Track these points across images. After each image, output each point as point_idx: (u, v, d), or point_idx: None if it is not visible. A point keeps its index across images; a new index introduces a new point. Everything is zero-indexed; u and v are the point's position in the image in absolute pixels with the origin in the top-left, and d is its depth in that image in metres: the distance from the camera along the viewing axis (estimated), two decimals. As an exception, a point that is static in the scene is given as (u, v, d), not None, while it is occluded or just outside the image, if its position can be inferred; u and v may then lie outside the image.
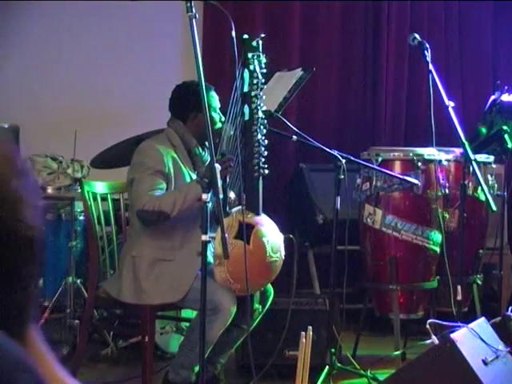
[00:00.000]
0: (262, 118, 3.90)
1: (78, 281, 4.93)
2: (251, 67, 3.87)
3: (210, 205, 3.33)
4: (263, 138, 3.91)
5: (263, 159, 3.90)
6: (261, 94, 3.89)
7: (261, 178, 3.91)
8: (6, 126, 4.38)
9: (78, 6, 5.93)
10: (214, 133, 3.84)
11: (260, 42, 3.91)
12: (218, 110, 4.07)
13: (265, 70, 3.92)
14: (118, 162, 4.64)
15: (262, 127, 3.90)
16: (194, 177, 4.01)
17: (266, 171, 3.92)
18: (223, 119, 3.98)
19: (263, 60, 3.91)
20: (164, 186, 3.92)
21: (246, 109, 3.86)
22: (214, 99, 4.06)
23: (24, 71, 5.97)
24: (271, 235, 3.93)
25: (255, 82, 3.88)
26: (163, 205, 3.83)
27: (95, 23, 6.04)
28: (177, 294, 3.90)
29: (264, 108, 3.92)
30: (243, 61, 3.84)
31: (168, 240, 3.95)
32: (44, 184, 5.20)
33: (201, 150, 4.06)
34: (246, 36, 3.79)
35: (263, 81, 3.91)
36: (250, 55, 3.86)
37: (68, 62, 6.01)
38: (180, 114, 4.07)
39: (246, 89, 3.86)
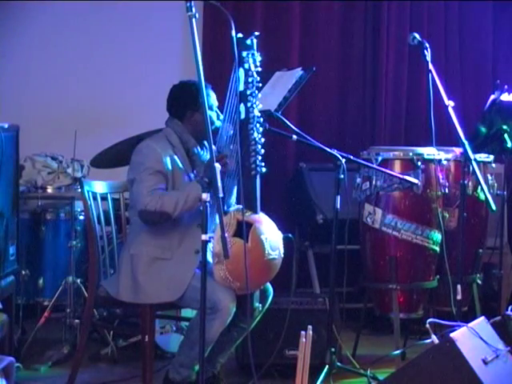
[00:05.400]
0: (257, 117, 3.90)
1: (78, 280, 4.93)
2: (246, 66, 3.87)
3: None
4: (259, 136, 3.91)
5: (260, 157, 3.90)
6: (256, 92, 3.90)
7: (258, 176, 3.91)
8: (6, 126, 4.37)
9: (79, 6, 5.93)
10: (212, 131, 3.85)
11: (254, 41, 3.91)
12: (216, 108, 4.07)
13: (259, 69, 3.92)
14: (118, 161, 4.64)
15: (258, 125, 3.90)
16: (192, 176, 4.02)
17: (264, 169, 3.92)
18: (221, 117, 3.98)
19: (258, 58, 3.91)
20: (164, 185, 3.92)
21: (242, 107, 3.86)
22: (211, 97, 4.06)
23: (24, 71, 5.98)
24: (269, 233, 3.93)
25: (250, 80, 3.88)
26: (165, 205, 3.84)
27: (95, 23, 6.04)
28: (174, 293, 3.90)
29: (260, 106, 3.92)
30: (238, 59, 3.84)
31: (166, 239, 3.96)
32: (44, 184, 5.21)
33: (199, 149, 4.06)
34: (239, 35, 3.79)
35: (258, 79, 3.91)
36: (244, 54, 3.86)
37: (68, 62, 6.01)
38: (177, 113, 4.08)
39: (241, 87, 3.86)
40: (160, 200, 3.84)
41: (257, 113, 3.90)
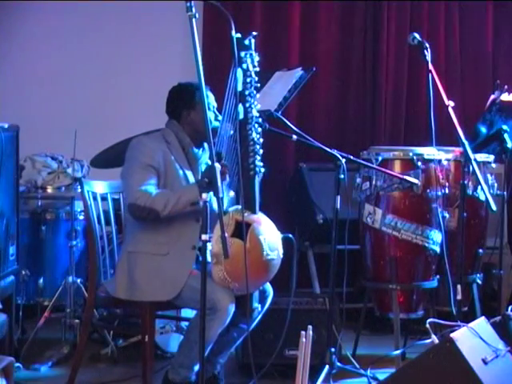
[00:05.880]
0: (256, 117, 3.90)
1: (78, 280, 4.94)
2: (244, 66, 3.87)
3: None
4: (258, 136, 3.91)
5: (259, 157, 3.90)
6: (254, 92, 3.89)
7: (257, 176, 3.91)
8: (6, 126, 4.37)
9: (79, 6, 5.93)
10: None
11: (252, 41, 3.90)
12: (214, 109, 4.08)
13: (258, 69, 3.91)
14: (118, 161, 4.62)
15: (256, 125, 3.90)
16: (189, 173, 4.02)
17: (262, 169, 3.92)
18: (220, 118, 3.99)
19: (256, 58, 3.91)
20: (155, 180, 3.93)
21: (240, 108, 3.86)
22: (209, 98, 4.06)
23: (24, 71, 5.98)
24: (268, 233, 3.93)
25: (248, 80, 3.88)
26: (155, 203, 3.84)
27: (95, 23, 6.04)
28: (170, 292, 3.90)
29: (258, 106, 3.92)
30: (236, 60, 3.84)
31: (162, 235, 3.96)
32: (44, 184, 5.21)
33: (194, 149, 4.06)
34: (238, 35, 3.79)
35: (256, 79, 3.91)
36: (242, 54, 3.86)
37: (68, 63, 6.01)
38: (173, 113, 4.09)
39: (239, 88, 3.86)
40: (151, 197, 3.85)
41: (255, 113, 3.90)
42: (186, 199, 3.83)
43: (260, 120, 3.92)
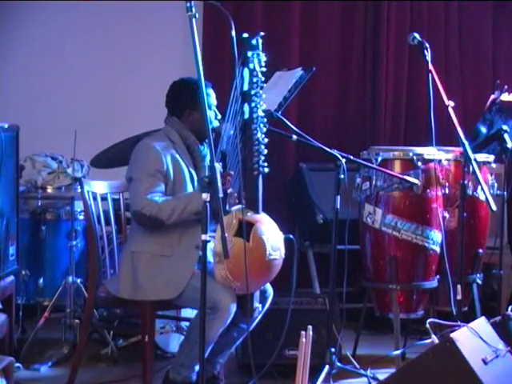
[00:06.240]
0: (261, 117, 3.90)
1: (78, 280, 4.94)
2: (251, 65, 3.87)
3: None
4: (263, 136, 3.91)
5: (263, 157, 3.91)
6: (260, 92, 3.90)
7: (260, 176, 3.91)
8: (6, 126, 4.37)
9: (78, 6, 5.93)
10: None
11: (259, 41, 3.91)
12: (214, 108, 4.08)
13: (264, 69, 3.92)
14: (118, 161, 4.64)
15: (261, 126, 3.90)
16: (194, 173, 4.02)
17: (266, 169, 3.92)
18: (219, 117, 3.99)
19: (263, 58, 3.92)
20: (162, 187, 3.93)
21: (246, 107, 3.87)
22: (210, 97, 4.06)
23: (24, 71, 5.98)
24: (271, 233, 3.93)
25: (255, 80, 3.88)
26: (161, 212, 3.85)
27: (95, 23, 6.04)
28: (173, 291, 3.90)
29: (264, 106, 3.93)
30: (243, 59, 3.84)
31: (166, 235, 3.96)
32: (44, 184, 5.21)
33: (199, 146, 4.07)
34: (245, 34, 3.79)
35: (263, 79, 3.91)
36: (249, 53, 3.86)
37: (68, 63, 6.01)
38: (175, 110, 4.09)
39: (245, 87, 3.87)
40: (157, 206, 3.85)
41: (260, 113, 3.90)
42: (191, 209, 3.83)
43: (265, 120, 3.93)
